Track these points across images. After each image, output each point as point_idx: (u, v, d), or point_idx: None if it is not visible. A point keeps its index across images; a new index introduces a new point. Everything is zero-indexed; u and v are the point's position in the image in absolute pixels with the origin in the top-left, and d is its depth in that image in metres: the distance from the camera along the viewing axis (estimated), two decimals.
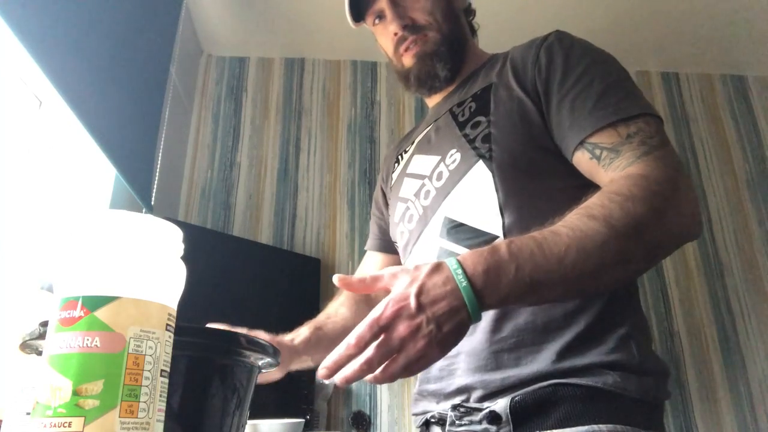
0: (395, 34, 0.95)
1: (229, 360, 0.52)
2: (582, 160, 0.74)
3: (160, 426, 0.37)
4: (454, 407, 0.73)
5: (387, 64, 2.46)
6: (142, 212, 1.57)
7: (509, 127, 0.80)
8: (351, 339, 0.54)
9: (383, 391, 1.97)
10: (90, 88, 1.28)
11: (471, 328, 0.59)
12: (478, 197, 0.79)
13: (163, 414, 0.38)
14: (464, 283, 0.57)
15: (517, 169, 0.78)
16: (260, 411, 0.78)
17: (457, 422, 0.73)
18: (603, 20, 2.27)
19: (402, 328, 0.55)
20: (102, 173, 1.54)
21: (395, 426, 1.93)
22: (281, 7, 2.19)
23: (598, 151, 0.72)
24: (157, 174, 1.77)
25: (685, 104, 2.52)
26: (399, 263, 1.01)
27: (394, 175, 1.02)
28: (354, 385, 1.98)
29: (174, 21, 1.92)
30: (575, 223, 0.62)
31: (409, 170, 0.95)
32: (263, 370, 0.61)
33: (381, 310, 0.56)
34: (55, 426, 0.33)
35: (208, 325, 0.79)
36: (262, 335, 0.79)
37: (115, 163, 1.40)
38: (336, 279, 0.62)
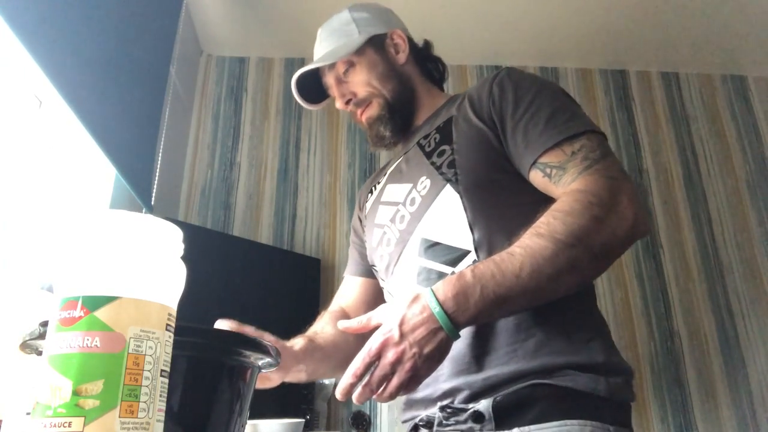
0: (344, 110, 1.09)
1: (230, 360, 0.52)
2: (536, 178, 0.84)
3: (160, 426, 0.37)
4: (442, 408, 0.79)
5: None
6: (142, 212, 1.57)
7: (471, 153, 0.89)
8: (350, 371, 0.67)
9: None
10: (90, 88, 1.28)
11: None
12: (449, 217, 0.86)
13: (163, 414, 0.38)
14: (437, 309, 0.68)
15: (482, 190, 0.87)
16: (260, 411, 0.78)
17: (444, 422, 0.78)
18: (603, 20, 2.27)
19: (390, 356, 0.67)
20: (102, 173, 1.54)
21: (395, 426, 1.93)
22: (281, 7, 2.19)
23: (548, 170, 0.81)
24: (157, 174, 1.77)
25: (685, 104, 2.52)
26: (378, 287, 1.08)
27: (368, 205, 1.10)
28: None
29: (174, 21, 1.92)
30: (526, 242, 0.72)
31: (383, 198, 1.03)
32: (263, 370, 0.61)
33: (371, 343, 0.68)
34: (55, 426, 0.33)
35: (218, 322, 0.80)
36: (268, 337, 0.80)
37: (115, 163, 1.40)
38: (340, 326, 0.77)
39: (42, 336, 0.47)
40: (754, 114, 2.50)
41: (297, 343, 0.90)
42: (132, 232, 0.39)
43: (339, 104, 1.09)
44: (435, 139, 0.96)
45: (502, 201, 0.86)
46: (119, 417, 0.34)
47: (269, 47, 2.43)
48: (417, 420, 0.85)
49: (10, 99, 1.22)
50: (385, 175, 1.08)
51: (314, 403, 1.80)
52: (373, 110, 1.06)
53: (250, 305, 1.79)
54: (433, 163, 0.92)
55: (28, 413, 0.36)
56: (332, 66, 1.08)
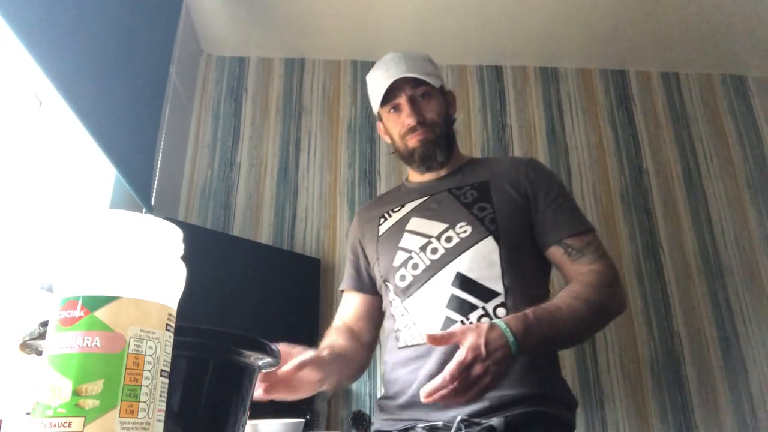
0: (409, 124, 1.22)
1: (230, 360, 0.52)
2: (556, 252, 1.12)
3: (160, 426, 0.37)
4: (463, 420, 0.95)
5: None
6: (142, 212, 1.57)
7: (509, 217, 1.14)
8: (446, 375, 0.81)
9: (383, 391, 1.97)
10: (90, 88, 1.28)
11: None
12: (486, 262, 1.09)
13: (163, 414, 0.38)
14: (512, 339, 0.87)
15: (514, 247, 1.11)
16: (260, 411, 0.78)
17: None
18: (603, 20, 2.27)
19: (477, 368, 0.83)
20: (102, 173, 1.54)
21: None
22: (281, 7, 2.19)
23: (570, 250, 1.11)
24: (157, 174, 1.77)
25: (685, 104, 2.52)
26: (374, 303, 1.28)
27: (382, 228, 1.26)
28: (354, 385, 1.98)
29: (174, 21, 1.92)
30: (569, 302, 0.99)
31: (408, 228, 1.20)
32: (263, 371, 0.61)
33: (464, 355, 0.83)
34: (55, 426, 0.33)
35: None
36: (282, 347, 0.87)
37: (115, 163, 1.40)
38: (426, 334, 0.87)
39: (42, 336, 0.47)
40: (754, 114, 2.50)
41: (312, 352, 1.00)
42: (132, 232, 0.39)
43: (411, 120, 1.21)
44: (472, 194, 1.18)
45: (524, 259, 1.12)
46: (119, 417, 0.34)
47: (269, 47, 2.43)
48: (420, 425, 1.01)
49: (10, 99, 1.22)
50: (401, 207, 1.26)
51: (314, 403, 1.80)
52: (432, 136, 1.23)
53: (250, 305, 1.79)
54: (474, 215, 1.14)
55: (28, 413, 0.36)
56: (417, 84, 1.22)
